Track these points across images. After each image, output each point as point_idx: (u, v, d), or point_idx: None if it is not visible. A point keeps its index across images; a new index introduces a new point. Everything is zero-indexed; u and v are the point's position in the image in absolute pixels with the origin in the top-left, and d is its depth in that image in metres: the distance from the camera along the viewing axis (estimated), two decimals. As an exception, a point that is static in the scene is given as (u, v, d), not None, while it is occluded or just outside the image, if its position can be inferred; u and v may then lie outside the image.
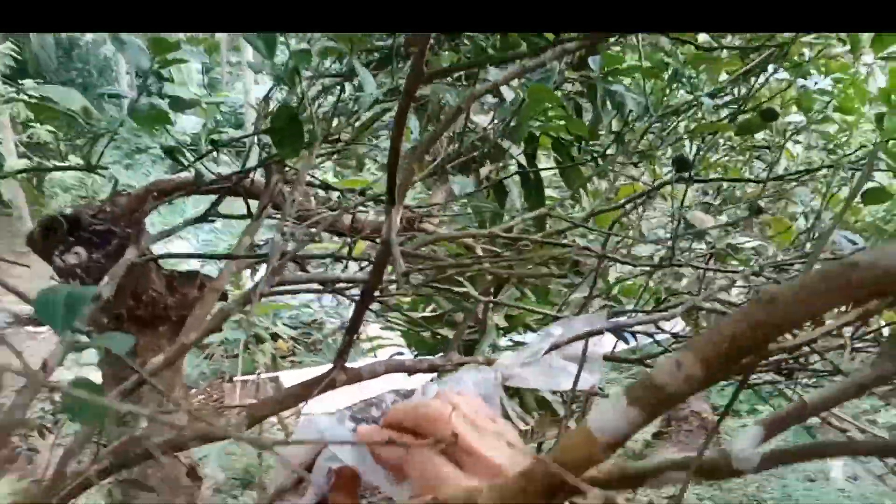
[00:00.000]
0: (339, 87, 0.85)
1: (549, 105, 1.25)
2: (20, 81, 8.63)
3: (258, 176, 1.08)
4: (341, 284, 0.71)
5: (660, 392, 0.23)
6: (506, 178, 1.54)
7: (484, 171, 1.41)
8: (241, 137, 0.79)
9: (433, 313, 1.81)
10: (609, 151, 1.64)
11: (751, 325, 0.20)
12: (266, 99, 0.80)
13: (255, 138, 0.85)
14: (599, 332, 0.43)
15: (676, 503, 0.33)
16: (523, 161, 1.34)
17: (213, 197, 1.00)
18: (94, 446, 0.74)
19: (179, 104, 0.71)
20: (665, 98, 1.02)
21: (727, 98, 1.09)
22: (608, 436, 0.24)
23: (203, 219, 0.81)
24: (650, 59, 0.94)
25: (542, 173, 1.65)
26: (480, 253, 1.28)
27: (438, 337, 1.75)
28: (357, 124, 0.93)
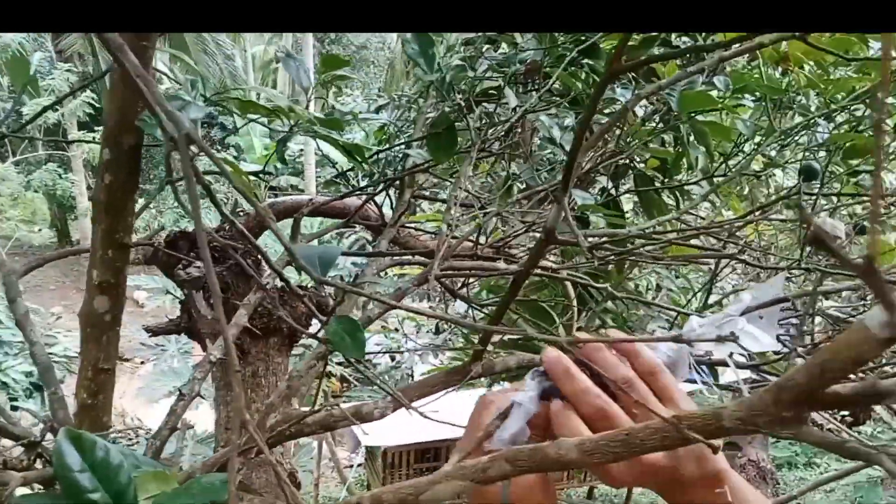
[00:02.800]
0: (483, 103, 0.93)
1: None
2: (97, 129, 9.24)
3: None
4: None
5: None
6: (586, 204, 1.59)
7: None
8: (392, 147, 0.87)
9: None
10: (691, 181, 1.68)
11: None
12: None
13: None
14: (786, 300, 0.47)
15: None
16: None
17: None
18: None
19: (337, 122, 0.79)
20: (778, 120, 1.05)
21: (840, 120, 1.11)
22: (888, 332, 0.28)
23: (346, 224, 0.89)
24: (770, 80, 0.97)
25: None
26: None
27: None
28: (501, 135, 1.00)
